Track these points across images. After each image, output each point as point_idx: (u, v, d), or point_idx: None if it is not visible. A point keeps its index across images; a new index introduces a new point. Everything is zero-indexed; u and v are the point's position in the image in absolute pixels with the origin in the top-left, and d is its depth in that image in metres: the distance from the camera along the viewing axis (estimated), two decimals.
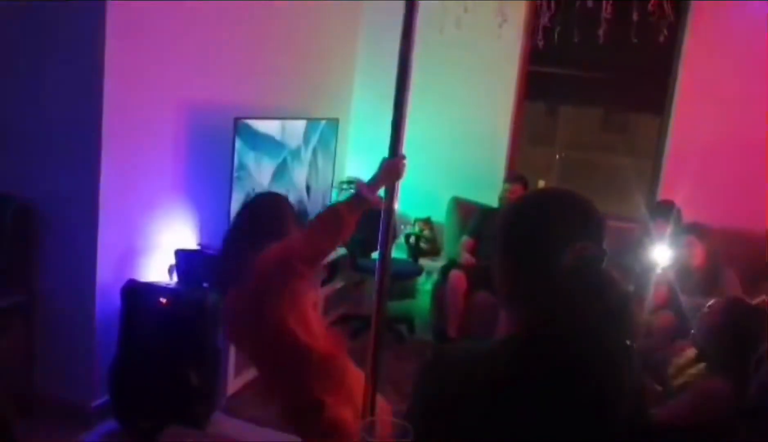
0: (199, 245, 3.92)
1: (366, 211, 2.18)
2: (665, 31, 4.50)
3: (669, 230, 4.39)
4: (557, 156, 6.20)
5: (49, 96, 3.31)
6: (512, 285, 1.28)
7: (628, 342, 1.29)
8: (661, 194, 5.16)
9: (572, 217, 1.25)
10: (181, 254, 3.62)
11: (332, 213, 2.17)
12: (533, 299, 1.25)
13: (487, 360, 1.23)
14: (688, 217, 4.52)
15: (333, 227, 2.13)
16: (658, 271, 4.12)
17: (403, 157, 2.00)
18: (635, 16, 4.39)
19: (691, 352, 2.90)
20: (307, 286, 2.28)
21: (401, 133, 1.84)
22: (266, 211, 2.35)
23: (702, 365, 2.76)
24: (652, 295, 4.20)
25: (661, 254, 4.14)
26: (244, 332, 2.31)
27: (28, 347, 3.41)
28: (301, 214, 4.84)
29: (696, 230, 4.36)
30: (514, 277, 1.27)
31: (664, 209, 4.57)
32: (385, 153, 1.92)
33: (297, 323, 2.19)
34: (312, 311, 2.31)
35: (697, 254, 4.27)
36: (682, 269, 4.19)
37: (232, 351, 3.77)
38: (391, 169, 2.01)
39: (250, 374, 3.96)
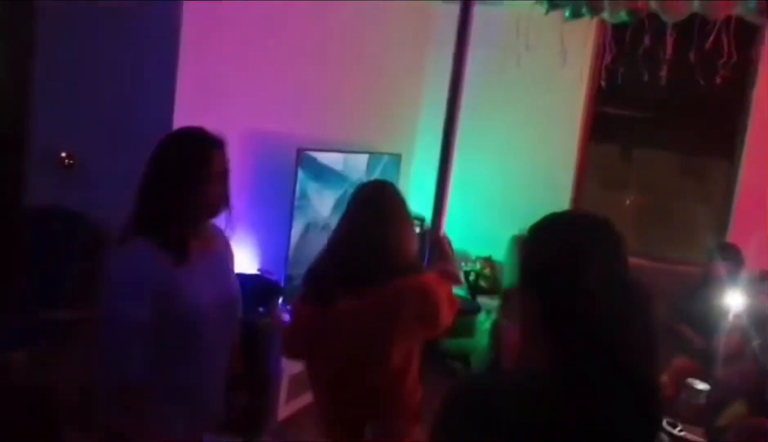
0: (258, 269, 4.02)
1: None
2: (721, 70, 4.39)
3: (730, 271, 4.24)
4: (627, 201, 6.08)
5: (124, 123, 3.49)
6: (538, 319, 1.23)
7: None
8: (730, 240, 4.99)
9: (592, 241, 1.22)
10: (240, 278, 3.70)
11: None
12: (561, 333, 1.20)
13: (516, 397, 1.20)
14: (757, 266, 4.31)
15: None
16: (730, 317, 3.94)
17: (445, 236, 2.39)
18: (692, 57, 4.31)
19: (739, 406, 2.80)
20: None
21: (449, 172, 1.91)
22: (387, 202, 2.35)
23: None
24: (724, 344, 4.05)
25: (734, 299, 3.96)
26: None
27: (90, 359, 3.54)
28: None
29: None
30: (540, 311, 1.23)
31: (729, 252, 4.43)
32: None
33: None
34: None
35: None
36: (757, 319, 3.95)
37: (285, 376, 3.83)
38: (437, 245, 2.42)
39: (302, 400, 4.00)
